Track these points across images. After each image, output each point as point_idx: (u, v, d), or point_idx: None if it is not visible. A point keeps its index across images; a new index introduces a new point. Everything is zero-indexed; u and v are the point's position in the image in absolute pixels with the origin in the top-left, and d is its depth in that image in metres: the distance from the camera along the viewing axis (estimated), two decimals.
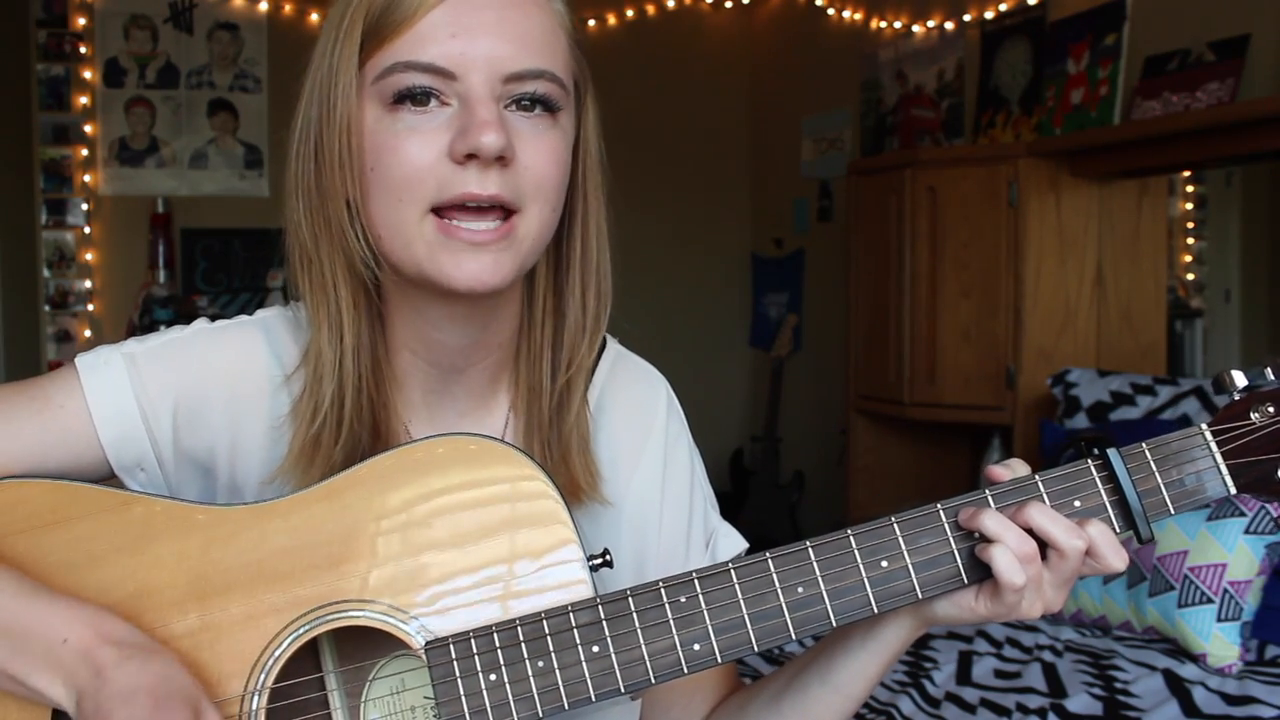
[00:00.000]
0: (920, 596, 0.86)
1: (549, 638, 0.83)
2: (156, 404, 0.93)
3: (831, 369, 4.57)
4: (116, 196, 4.68)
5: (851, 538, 0.86)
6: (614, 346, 1.07)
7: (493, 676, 0.83)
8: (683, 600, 0.84)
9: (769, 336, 5.10)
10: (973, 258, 3.35)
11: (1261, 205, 3.74)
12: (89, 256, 4.65)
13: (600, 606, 0.84)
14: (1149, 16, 3.17)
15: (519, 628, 0.83)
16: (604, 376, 1.04)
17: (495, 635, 0.83)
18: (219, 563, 0.86)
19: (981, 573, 0.86)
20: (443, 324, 0.93)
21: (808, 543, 0.85)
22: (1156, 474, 0.87)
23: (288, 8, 4.77)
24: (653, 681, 0.83)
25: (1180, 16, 3.15)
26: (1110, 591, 2.50)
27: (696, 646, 0.84)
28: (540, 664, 0.83)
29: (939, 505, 0.87)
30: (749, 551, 0.95)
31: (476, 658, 0.83)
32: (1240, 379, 0.89)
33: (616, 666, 0.83)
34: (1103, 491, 0.87)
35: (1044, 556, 0.85)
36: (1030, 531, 0.84)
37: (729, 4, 5.36)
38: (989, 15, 3.86)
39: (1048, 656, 2.38)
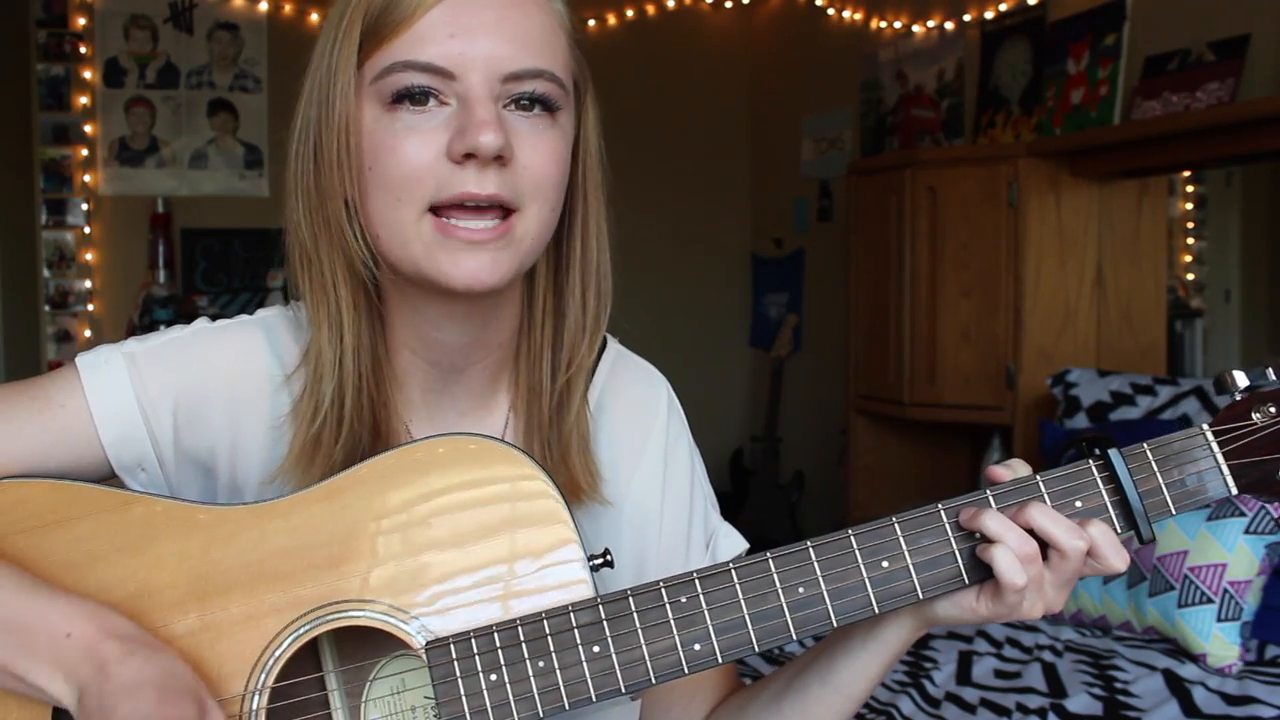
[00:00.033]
0: (921, 597, 0.86)
1: (549, 638, 0.83)
2: (157, 403, 0.93)
3: (831, 369, 4.57)
4: (116, 196, 4.68)
5: (852, 538, 0.86)
6: (614, 346, 1.07)
7: (493, 676, 0.83)
8: (683, 600, 0.84)
9: (769, 336, 5.10)
10: (973, 258, 3.35)
11: (1261, 205, 3.74)
12: (89, 256, 4.65)
13: (601, 606, 0.84)
14: (1149, 16, 3.17)
15: (520, 628, 0.83)
16: (604, 376, 1.04)
17: (496, 635, 0.83)
18: (219, 563, 0.86)
19: (982, 573, 0.86)
20: (442, 323, 0.93)
21: (809, 543, 0.85)
22: (1158, 474, 0.87)
23: (288, 8, 4.77)
24: (653, 682, 0.83)
25: (1180, 16, 3.15)
26: (1110, 591, 2.50)
27: (697, 647, 0.84)
28: (541, 664, 0.83)
29: (940, 505, 0.87)
30: (749, 552, 0.95)
31: (477, 658, 0.83)
32: (1242, 379, 0.88)
33: (617, 666, 0.83)
34: (1104, 492, 0.87)
35: (1045, 557, 0.85)
36: (1031, 532, 0.84)
37: (729, 4, 5.36)
38: (989, 15, 3.86)
39: (1048, 656, 2.38)
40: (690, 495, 1.07)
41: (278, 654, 0.85)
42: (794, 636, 0.84)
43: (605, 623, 0.83)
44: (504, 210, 0.86)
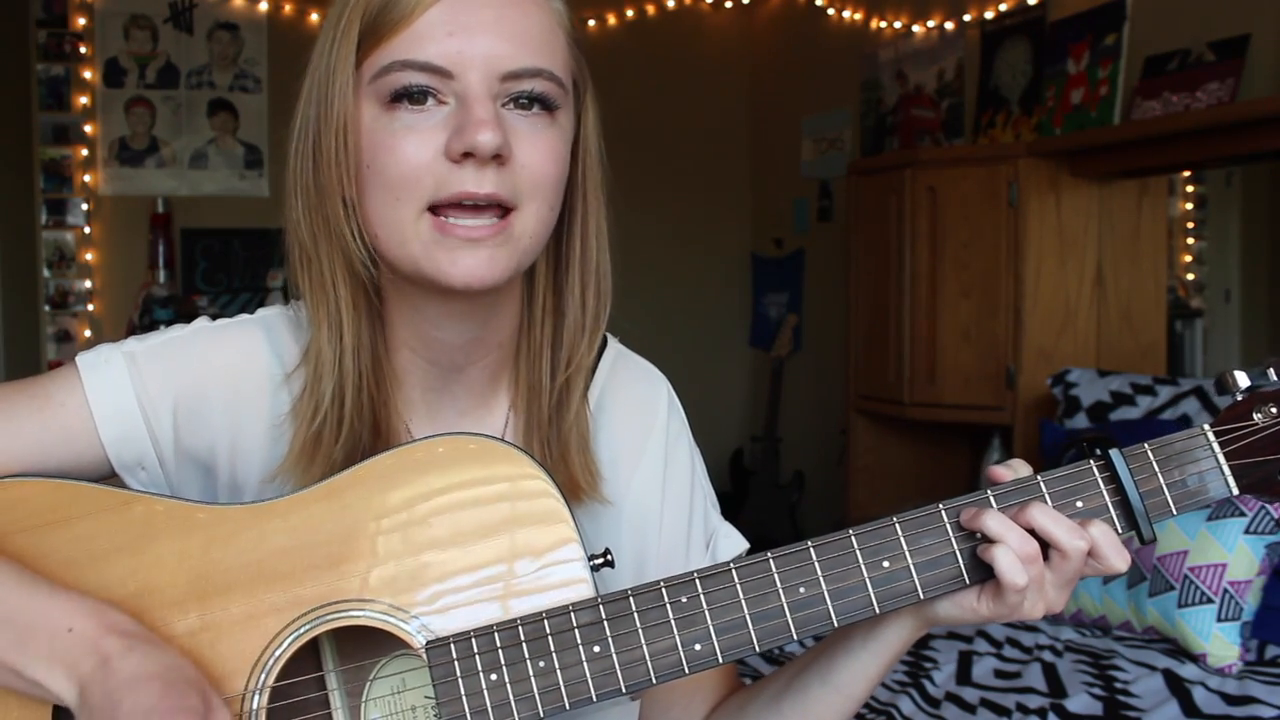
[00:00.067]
0: (922, 597, 0.86)
1: (550, 637, 0.83)
2: (157, 402, 0.93)
3: (831, 369, 4.57)
4: (116, 196, 4.68)
5: (853, 538, 0.85)
6: (615, 346, 1.07)
7: (494, 676, 0.83)
8: (684, 600, 0.84)
9: (769, 336, 5.10)
10: (973, 258, 3.35)
11: (1261, 205, 3.74)
12: (89, 256, 4.65)
13: (601, 606, 0.84)
14: (1149, 16, 3.17)
15: (520, 627, 0.83)
16: (605, 376, 1.04)
17: (496, 635, 0.83)
18: (219, 562, 0.86)
19: (983, 573, 0.86)
20: (441, 322, 0.93)
21: (809, 543, 0.85)
22: (1159, 474, 0.87)
23: (288, 8, 4.76)
24: (654, 682, 0.83)
25: (1180, 16, 3.15)
26: (1110, 591, 2.50)
27: (698, 647, 0.83)
28: (541, 664, 0.83)
29: (941, 505, 0.87)
30: (749, 552, 0.95)
31: (477, 657, 0.83)
32: (1243, 379, 0.88)
33: (618, 666, 0.83)
34: (1105, 492, 0.87)
35: (1046, 557, 0.85)
36: (1032, 532, 0.84)
37: (729, 4, 5.36)
38: (989, 15, 3.86)
39: (1048, 656, 2.38)
40: (690, 495, 1.07)
41: (278, 654, 0.85)
42: (795, 636, 0.84)
43: (606, 622, 0.83)
44: (502, 209, 0.86)
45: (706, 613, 0.84)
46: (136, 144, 4.69)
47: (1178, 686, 2.18)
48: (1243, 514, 2.33)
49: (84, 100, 4.60)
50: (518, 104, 0.87)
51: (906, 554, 0.85)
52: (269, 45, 4.77)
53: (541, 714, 0.82)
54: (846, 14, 4.67)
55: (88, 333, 4.64)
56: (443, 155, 0.85)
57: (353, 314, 0.92)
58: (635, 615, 0.83)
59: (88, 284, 4.65)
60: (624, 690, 0.83)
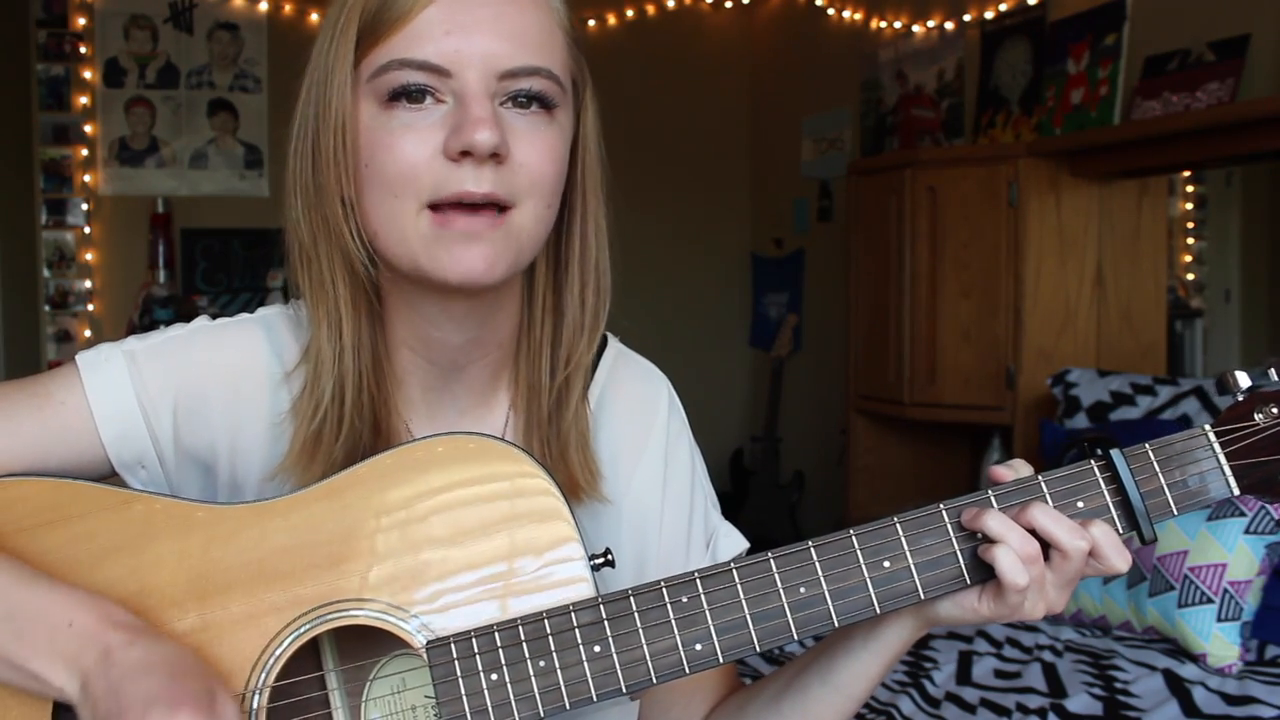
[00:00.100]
0: (923, 597, 0.85)
1: (550, 637, 0.83)
2: (157, 401, 0.93)
3: (831, 369, 4.57)
4: (116, 196, 4.68)
5: (854, 538, 0.85)
6: (615, 345, 1.07)
7: (494, 676, 0.83)
8: (684, 600, 0.84)
9: (769, 336, 5.10)
10: (973, 258, 3.35)
11: (1261, 205, 3.74)
12: (89, 256, 4.65)
13: (602, 606, 0.84)
14: (1149, 16, 3.17)
15: (520, 627, 0.83)
16: (605, 375, 1.04)
17: (496, 634, 0.83)
18: (219, 562, 0.86)
19: (984, 573, 0.86)
20: (441, 321, 0.93)
21: (810, 543, 0.85)
22: (1160, 475, 0.87)
23: (288, 8, 4.76)
24: (654, 682, 0.83)
25: (1180, 16, 3.15)
26: (1110, 591, 2.50)
27: (698, 646, 0.83)
28: (542, 663, 0.83)
29: (941, 505, 0.87)
30: (749, 552, 0.95)
31: (478, 657, 0.83)
32: (1244, 380, 0.88)
33: (618, 666, 0.83)
34: (1106, 492, 0.87)
35: (1047, 557, 0.85)
36: (1033, 532, 0.84)
37: (729, 4, 5.36)
38: (989, 15, 3.86)
39: (1048, 656, 2.38)
40: (691, 494, 1.07)
41: (278, 653, 0.85)
42: (795, 636, 0.84)
43: (606, 622, 0.83)
44: (500, 208, 0.86)
45: (707, 612, 0.84)
46: (136, 144, 4.69)
47: (1178, 686, 2.18)
48: (1243, 514, 2.33)
49: (84, 100, 4.60)
50: (516, 102, 0.87)
51: (907, 554, 0.85)
52: (269, 45, 4.77)
53: (542, 714, 0.82)
54: (846, 14, 4.67)
55: (88, 333, 4.64)
56: (441, 154, 0.85)
57: (352, 313, 0.92)
58: (636, 615, 0.83)
59: (88, 284, 4.65)
60: (624, 690, 0.83)
